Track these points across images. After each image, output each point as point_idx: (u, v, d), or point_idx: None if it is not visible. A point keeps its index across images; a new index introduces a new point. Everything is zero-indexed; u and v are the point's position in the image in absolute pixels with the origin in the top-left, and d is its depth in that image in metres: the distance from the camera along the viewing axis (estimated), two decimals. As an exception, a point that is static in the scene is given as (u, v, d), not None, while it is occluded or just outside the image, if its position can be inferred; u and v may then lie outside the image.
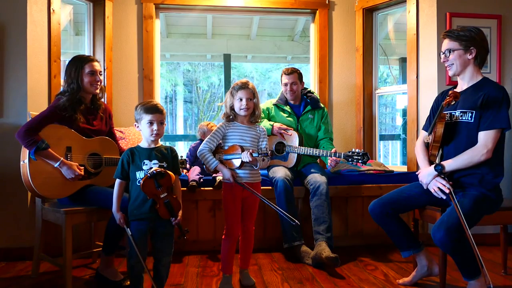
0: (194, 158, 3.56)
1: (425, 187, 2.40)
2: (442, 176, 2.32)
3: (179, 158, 2.57)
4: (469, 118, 2.33)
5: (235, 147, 2.45)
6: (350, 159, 3.02)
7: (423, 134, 2.62)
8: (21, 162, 2.49)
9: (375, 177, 3.55)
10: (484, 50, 2.38)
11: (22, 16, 3.07)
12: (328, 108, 4.17)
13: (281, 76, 3.49)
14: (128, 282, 2.47)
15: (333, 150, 3.08)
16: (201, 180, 3.32)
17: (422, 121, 3.55)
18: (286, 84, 3.43)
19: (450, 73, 2.44)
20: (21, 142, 2.43)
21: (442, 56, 2.43)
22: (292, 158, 3.35)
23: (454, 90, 2.43)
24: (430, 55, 3.56)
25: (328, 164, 3.14)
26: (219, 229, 3.32)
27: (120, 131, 3.42)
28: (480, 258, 2.05)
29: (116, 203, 2.25)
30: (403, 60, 5.84)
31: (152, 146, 2.28)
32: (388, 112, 10.24)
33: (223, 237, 2.50)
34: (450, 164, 2.31)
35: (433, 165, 2.36)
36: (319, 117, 3.50)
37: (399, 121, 8.64)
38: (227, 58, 7.56)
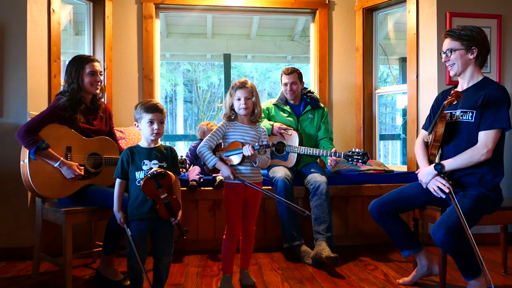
0: (194, 158, 3.56)
1: (424, 187, 2.40)
2: (442, 175, 2.32)
3: (179, 158, 2.58)
4: (470, 118, 2.33)
5: (235, 144, 2.45)
6: (350, 159, 3.02)
7: (422, 133, 2.62)
8: (21, 162, 2.49)
9: (375, 177, 3.55)
10: (485, 50, 2.37)
11: (22, 16, 3.07)
12: (328, 108, 4.17)
13: (281, 76, 3.49)
14: (128, 282, 2.47)
15: (333, 150, 3.08)
16: (201, 180, 3.32)
17: (422, 121, 3.55)
18: (286, 84, 3.43)
19: (452, 73, 2.43)
20: (21, 142, 2.43)
21: (443, 56, 2.42)
22: (292, 158, 3.35)
23: (456, 89, 2.42)
24: (430, 54, 3.56)
25: (328, 164, 3.14)
26: (219, 229, 3.32)
27: (120, 131, 3.42)
28: (480, 258, 2.05)
29: (117, 203, 2.25)
30: (403, 60, 5.84)
31: (152, 146, 2.27)
32: (388, 112, 10.24)
33: (224, 237, 2.49)
34: (450, 164, 2.31)
35: (433, 164, 2.36)
36: (319, 117, 3.50)
37: (399, 121, 8.64)
38: (227, 58, 7.57)
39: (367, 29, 4.19)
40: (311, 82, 4.34)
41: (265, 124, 3.32)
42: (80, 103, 2.63)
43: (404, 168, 3.89)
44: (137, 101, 3.90)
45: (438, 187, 2.29)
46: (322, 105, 3.56)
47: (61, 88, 2.72)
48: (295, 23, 6.66)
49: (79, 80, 2.62)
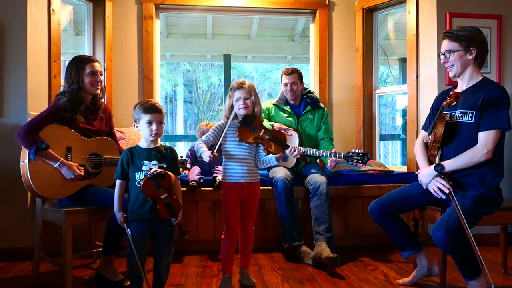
0: (194, 158, 3.56)
1: (424, 187, 2.40)
2: (442, 176, 2.32)
3: (179, 158, 2.58)
4: (469, 119, 2.33)
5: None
6: (350, 159, 3.01)
7: (422, 133, 2.61)
8: (21, 163, 2.49)
9: (375, 177, 3.55)
10: (484, 50, 2.37)
11: (22, 16, 3.07)
12: (328, 108, 4.17)
13: (281, 76, 3.49)
14: (128, 282, 2.47)
15: (333, 151, 3.08)
16: (201, 180, 3.32)
17: (422, 121, 3.55)
18: (286, 84, 3.43)
19: (451, 74, 2.43)
20: (21, 142, 2.43)
21: (442, 57, 2.42)
22: (292, 158, 3.35)
23: (455, 90, 2.42)
24: (430, 55, 3.56)
25: (328, 165, 3.14)
26: (219, 229, 3.32)
27: (120, 131, 3.42)
28: (481, 258, 2.05)
29: (118, 204, 2.25)
30: (403, 60, 5.84)
31: (152, 146, 2.27)
32: (388, 112, 10.25)
33: (222, 236, 2.49)
34: (450, 164, 2.31)
35: (433, 165, 2.36)
36: (319, 117, 3.50)
37: (399, 121, 8.64)
38: (227, 58, 7.57)
39: (367, 30, 4.19)
40: (311, 83, 4.34)
41: (265, 124, 3.32)
42: (80, 103, 2.63)
43: (404, 169, 3.89)
44: (137, 101, 3.90)
45: (438, 187, 2.29)
46: (322, 105, 3.56)
47: (61, 88, 2.72)
48: (295, 24, 6.66)
49: (79, 81, 2.62)
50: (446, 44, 2.39)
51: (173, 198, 2.21)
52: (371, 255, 3.23)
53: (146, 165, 2.21)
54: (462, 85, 2.45)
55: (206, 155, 2.33)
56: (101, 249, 2.62)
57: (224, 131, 2.45)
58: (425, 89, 3.62)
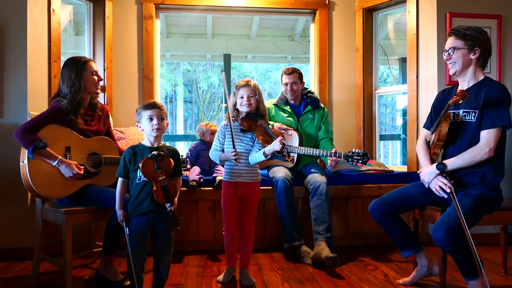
0: (194, 158, 3.56)
1: (426, 186, 2.40)
2: (444, 175, 2.32)
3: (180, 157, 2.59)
4: (472, 118, 2.32)
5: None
6: (350, 159, 3.01)
7: (424, 132, 2.60)
8: (21, 163, 2.49)
9: (375, 177, 3.55)
10: (487, 52, 2.38)
11: (22, 16, 3.07)
12: (328, 108, 4.17)
13: (281, 76, 3.50)
14: (128, 282, 2.47)
15: (333, 150, 3.08)
16: (201, 180, 3.32)
17: (422, 121, 3.55)
18: (286, 84, 3.44)
19: (451, 71, 2.43)
20: (19, 141, 2.43)
21: (445, 54, 2.42)
22: (292, 158, 3.34)
23: (461, 89, 2.42)
24: (430, 55, 3.56)
25: (328, 164, 3.14)
26: (219, 229, 3.31)
27: (120, 131, 3.42)
28: (478, 259, 2.05)
29: (119, 201, 2.24)
30: (403, 60, 5.84)
31: (155, 145, 2.27)
32: (388, 112, 10.25)
33: (223, 233, 2.61)
34: (452, 163, 2.31)
35: (435, 163, 2.35)
36: (319, 117, 3.50)
37: (399, 121, 8.64)
38: (227, 58, 7.56)
39: (367, 30, 4.19)
40: (311, 82, 4.34)
41: None
42: (80, 105, 2.63)
43: (404, 169, 3.89)
44: (137, 101, 3.91)
45: (440, 186, 2.29)
46: (322, 105, 3.57)
47: (59, 91, 2.67)
48: (295, 24, 6.66)
49: (81, 81, 2.61)
50: (451, 41, 2.39)
51: (171, 183, 2.20)
52: (371, 255, 3.23)
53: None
54: (463, 84, 2.45)
55: (230, 155, 2.44)
56: (101, 249, 2.62)
57: (224, 133, 2.55)
58: (425, 89, 3.61)
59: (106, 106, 2.94)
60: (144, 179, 2.17)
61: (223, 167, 2.65)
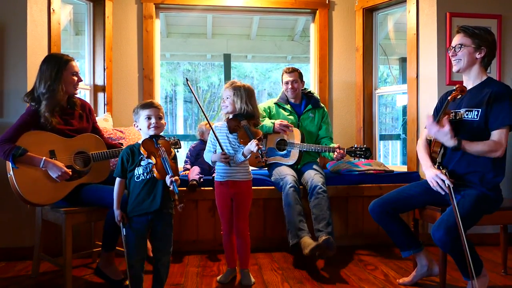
0: (194, 158, 3.56)
1: (429, 180, 2.36)
2: (444, 171, 2.31)
3: (172, 139, 2.87)
4: (475, 117, 2.32)
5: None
6: (353, 154, 3.05)
7: (426, 132, 2.59)
8: (8, 175, 2.41)
9: (375, 177, 3.55)
10: (492, 53, 2.39)
11: (22, 16, 3.07)
12: (328, 108, 4.17)
13: (282, 76, 3.52)
14: (127, 282, 2.47)
15: (336, 145, 3.10)
16: (201, 180, 3.32)
17: (422, 121, 3.56)
18: (287, 83, 3.46)
19: (455, 68, 2.43)
20: None
21: (451, 50, 2.42)
22: (294, 155, 3.35)
23: (460, 85, 2.42)
24: (430, 55, 3.56)
25: (334, 156, 3.14)
26: (219, 229, 3.29)
27: (120, 131, 3.42)
28: (471, 263, 2.06)
29: (117, 201, 2.24)
30: (403, 60, 5.83)
31: None
32: (388, 112, 10.24)
33: (221, 232, 2.64)
34: (468, 144, 2.25)
35: (454, 141, 2.26)
36: (320, 117, 3.52)
37: (399, 121, 8.63)
38: (227, 58, 7.56)
39: (367, 29, 4.19)
40: (311, 82, 4.34)
41: (266, 123, 3.32)
42: (56, 104, 2.55)
43: (404, 168, 3.89)
44: (137, 101, 3.91)
45: (437, 182, 2.28)
46: (322, 105, 3.59)
47: (33, 89, 2.57)
48: (295, 23, 6.66)
49: (61, 81, 2.53)
50: (459, 38, 2.39)
51: (171, 160, 2.19)
52: (371, 254, 3.23)
53: (144, 160, 2.21)
54: (468, 84, 2.45)
55: (220, 157, 2.48)
56: (101, 249, 2.61)
57: (216, 133, 2.55)
58: (425, 88, 3.61)
59: (88, 103, 2.84)
60: (143, 177, 2.18)
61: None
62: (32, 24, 3.12)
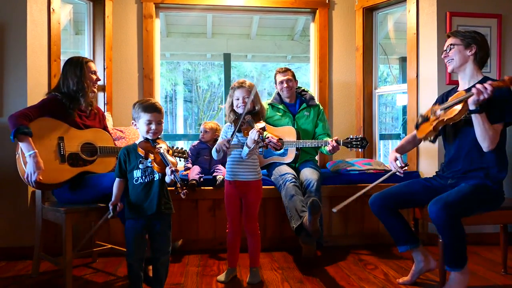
0: (194, 157, 3.56)
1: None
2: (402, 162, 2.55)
3: (180, 148, 2.91)
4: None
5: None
6: (349, 145, 3.07)
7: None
8: (16, 154, 2.51)
9: (375, 177, 3.54)
10: (484, 51, 2.41)
11: (22, 15, 3.07)
12: (328, 107, 4.17)
13: (275, 76, 3.54)
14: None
15: (334, 138, 3.10)
16: (201, 179, 3.32)
17: (422, 121, 3.56)
18: (282, 82, 3.46)
19: (449, 68, 2.48)
20: (9, 124, 2.44)
21: (444, 53, 2.49)
22: (292, 154, 3.35)
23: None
24: (430, 54, 3.56)
25: (328, 149, 3.14)
26: (219, 228, 3.32)
27: (120, 131, 3.42)
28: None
29: (115, 197, 2.25)
30: (403, 60, 5.84)
31: None
32: (388, 112, 10.24)
33: (227, 230, 2.63)
34: (475, 116, 2.24)
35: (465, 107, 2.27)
36: (315, 114, 3.52)
37: (399, 120, 8.63)
38: (227, 58, 7.56)
39: (367, 29, 4.18)
40: (311, 82, 4.34)
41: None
42: (78, 102, 2.69)
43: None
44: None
45: (392, 162, 2.60)
46: (317, 102, 3.58)
47: (57, 88, 2.70)
48: (295, 23, 6.66)
49: (85, 78, 2.68)
50: (449, 41, 2.48)
51: (170, 155, 2.20)
52: (371, 254, 3.23)
53: (143, 163, 2.21)
54: (464, 84, 2.48)
55: (222, 141, 2.46)
56: (101, 248, 2.62)
57: (232, 130, 2.54)
58: (425, 88, 3.61)
59: (101, 109, 3.00)
60: (141, 180, 2.18)
61: (223, 166, 2.66)
62: (32, 23, 3.12)
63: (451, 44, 2.44)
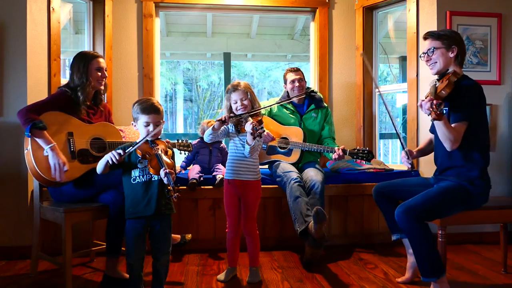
0: (193, 156, 3.56)
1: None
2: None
3: (184, 140, 2.96)
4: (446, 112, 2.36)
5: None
6: (355, 156, 3.07)
7: (430, 137, 2.73)
8: (25, 150, 2.49)
9: (375, 176, 3.55)
10: (463, 51, 2.45)
11: (22, 15, 3.06)
12: (328, 107, 4.17)
13: (286, 75, 3.49)
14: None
15: (341, 147, 3.09)
16: (201, 178, 3.32)
17: (422, 120, 3.57)
18: (293, 81, 3.44)
19: (433, 71, 2.49)
20: (20, 119, 2.44)
21: (424, 56, 2.49)
22: (296, 154, 3.35)
23: None
24: (430, 53, 3.55)
25: (333, 157, 3.14)
26: (219, 227, 3.32)
27: (120, 130, 3.41)
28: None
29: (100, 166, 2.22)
30: (403, 59, 5.84)
31: None
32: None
33: (226, 230, 2.63)
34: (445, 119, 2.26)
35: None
36: (323, 116, 3.51)
37: (399, 120, 8.63)
38: (227, 57, 7.57)
39: (367, 28, 4.18)
40: (311, 81, 4.34)
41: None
42: (87, 96, 2.69)
43: (404, 167, 3.88)
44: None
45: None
46: (325, 104, 3.58)
47: (68, 82, 2.71)
48: (295, 22, 6.66)
49: (88, 75, 2.66)
50: (428, 43, 2.48)
51: (168, 158, 2.19)
52: (371, 253, 3.23)
53: (142, 163, 2.21)
54: None
55: (217, 122, 2.46)
56: (99, 248, 2.61)
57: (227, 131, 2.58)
58: (425, 87, 3.61)
59: (107, 105, 2.97)
60: (139, 180, 2.19)
61: (223, 165, 2.66)
62: (32, 23, 3.11)
63: (432, 47, 2.43)
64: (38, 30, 3.17)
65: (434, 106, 2.10)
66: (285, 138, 3.37)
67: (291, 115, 3.48)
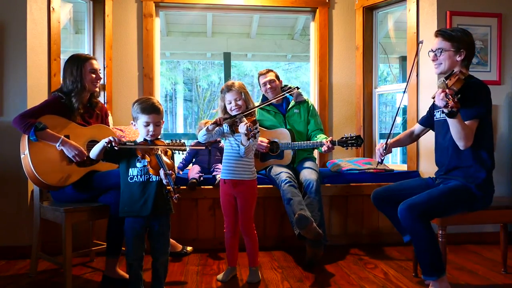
0: (192, 156, 3.56)
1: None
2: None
3: (178, 141, 2.71)
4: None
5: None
6: (344, 145, 3.07)
7: (416, 126, 2.75)
8: (21, 155, 2.48)
9: (375, 176, 3.55)
10: (472, 54, 2.44)
11: (22, 14, 3.06)
12: (328, 106, 4.17)
13: (258, 79, 3.54)
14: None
15: (329, 139, 3.08)
16: (201, 178, 3.32)
17: (422, 120, 3.56)
18: (265, 84, 3.46)
19: (437, 71, 2.48)
20: (18, 126, 2.44)
21: (432, 54, 2.47)
22: (288, 155, 3.35)
23: None
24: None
25: (323, 150, 3.14)
26: (219, 227, 3.32)
27: (120, 130, 3.42)
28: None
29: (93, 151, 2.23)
30: (403, 59, 5.84)
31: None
32: (388, 111, 10.24)
33: (224, 230, 2.63)
34: (452, 122, 2.24)
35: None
36: (305, 111, 3.51)
37: (399, 120, 8.63)
38: (227, 57, 7.56)
39: (367, 28, 4.18)
40: (311, 81, 4.33)
41: None
42: (82, 100, 2.67)
43: (404, 167, 3.89)
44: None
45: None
46: (305, 98, 3.56)
47: (61, 86, 2.70)
48: (295, 22, 6.66)
49: (82, 78, 2.63)
50: (438, 42, 2.44)
51: (167, 158, 2.19)
52: (371, 253, 3.23)
53: (140, 162, 2.20)
54: None
55: (211, 125, 2.43)
56: (99, 247, 2.61)
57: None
58: (425, 87, 3.61)
59: (105, 106, 2.96)
60: (136, 179, 2.19)
61: (221, 163, 2.65)
62: (32, 23, 3.11)
63: (441, 49, 2.41)
64: (38, 29, 3.16)
65: (450, 96, 2.06)
66: (274, 141, 3.36)
67: (273, 117, 3.47)
